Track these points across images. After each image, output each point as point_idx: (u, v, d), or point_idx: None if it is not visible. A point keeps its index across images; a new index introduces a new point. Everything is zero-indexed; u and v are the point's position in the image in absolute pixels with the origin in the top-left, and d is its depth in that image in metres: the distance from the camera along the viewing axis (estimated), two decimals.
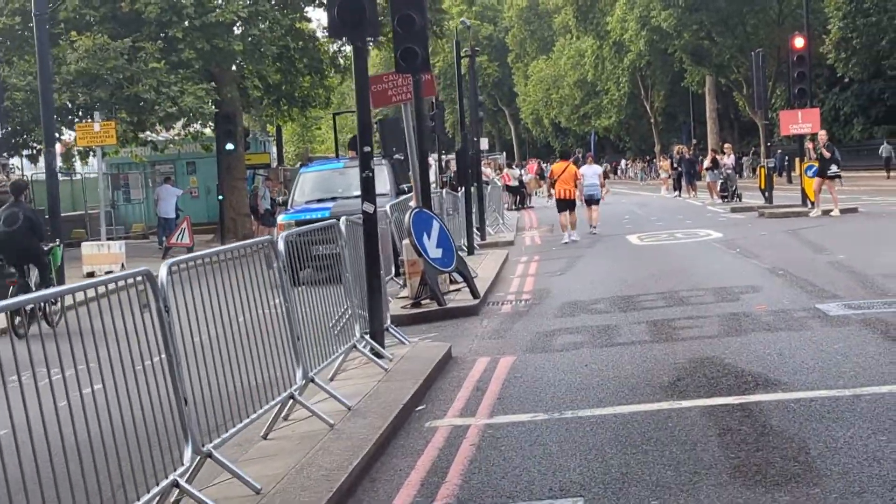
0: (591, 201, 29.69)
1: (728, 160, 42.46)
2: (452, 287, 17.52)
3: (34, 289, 17.65)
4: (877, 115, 62.92)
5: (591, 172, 30.38)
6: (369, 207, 11.80)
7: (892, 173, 54.12)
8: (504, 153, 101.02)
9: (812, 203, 31.24)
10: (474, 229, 29.45)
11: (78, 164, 39.68)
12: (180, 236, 34.72)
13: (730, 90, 74.53)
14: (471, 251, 25.04)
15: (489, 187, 37.37)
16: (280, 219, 23.49)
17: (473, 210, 30.20)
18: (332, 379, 10.96)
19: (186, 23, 35.60)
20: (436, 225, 16.44)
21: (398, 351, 12.24)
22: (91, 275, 27.18)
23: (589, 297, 16.65)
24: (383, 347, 11.85)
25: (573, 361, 11.49)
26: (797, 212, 31.43)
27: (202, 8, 35.27)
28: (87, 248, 28.68)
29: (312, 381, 9.44)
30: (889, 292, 14.35)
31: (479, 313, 15.98)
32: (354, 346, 11.18)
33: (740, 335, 12.10)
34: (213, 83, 35.30)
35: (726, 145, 47.28)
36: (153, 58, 33.51)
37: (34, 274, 18.46)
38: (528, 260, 23.97)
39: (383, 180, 24.40)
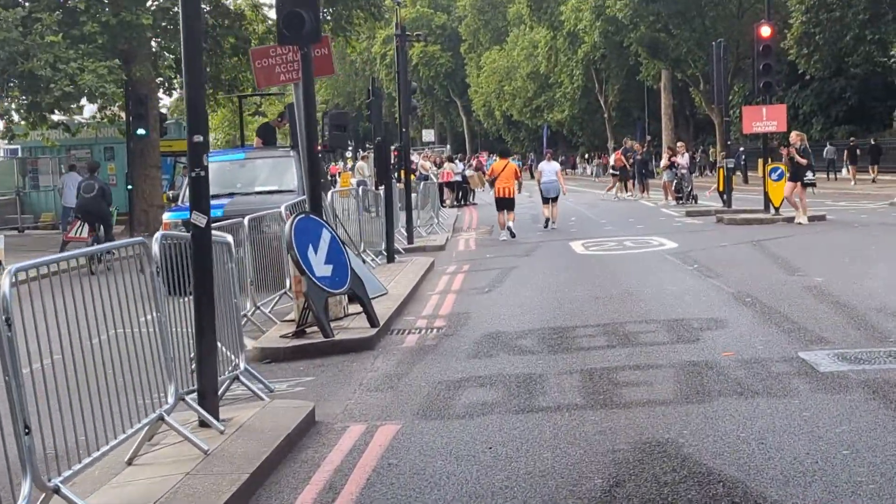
0: (550, 198, 29.66)
1: (682, 160, 39.47)
2: (353, 310, 14.30)
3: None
4: (837, 115, 60.45)
5: (549, 169, 30.48)
6: (199, 219, 8.53)
7: (839, 175, 52.22)
8: (448, 146, 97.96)
9: (776, 209, 28.31)
10: (400, 231, 26.29)
11: None
12: (79, 230, 31.15)
13: (686, 86, 71.84)
14: (390, 258, 21.80)
15: (422, 183, 34.13)
16: (165, 217, 20.15)
17: (400, 210, 27.08)
18: (129, 462, 7.73)
19: None
20: (325, 235, 13.20)
21: (241, 415, 8.99)
22: None
23: (514, 326, 13.49)
24: (215, 413, 8.58)
25: (475, 439, 8.30)
26: (759, 218, 28.45)
27: None
28: None
29: (57, 492, 6.21)
30: (891, 336, 11.28)
31: (374, 347, 12.75)
32: (162, 419, 7.89)
33: (703, 401, 8.96)
34: (119, 61, 31.73)
35: (679, 143, 44.33)
36: (50, 31, 29.89)
37: (101, 231, 25.68)
38: (455, 270, 20.78)
39: (291, 175, 21.22)
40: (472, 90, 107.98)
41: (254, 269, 15.07)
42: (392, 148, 27.94)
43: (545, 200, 30.02)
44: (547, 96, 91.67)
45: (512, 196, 27.72)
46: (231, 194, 20.68)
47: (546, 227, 29.65)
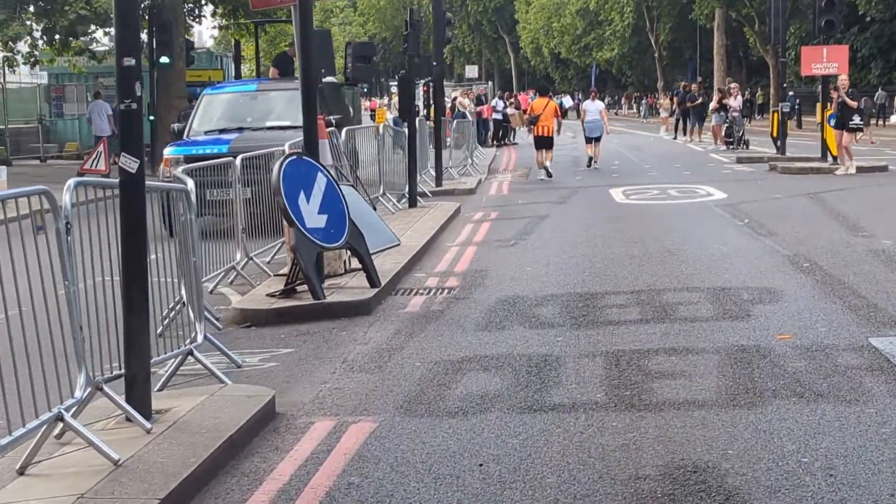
0: (593, 137, 29.61)
1: (735, 102, 37.28)
2: (356, 265, 12.57)
3: None
4: None
5: (593, 108, 30.37)
6: (129, 163, 6.81)
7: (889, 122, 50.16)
8: (491, 83, 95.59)
9: (835, 158, 26.26)
10: (427, 173, 24.54)
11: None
12: (95, 161, 29.54)
13: (740, 25, 69.06)
14: (412, 203, 20.01)
15: (455, 122, 32.24)
16: (166, 152, 18.47)
17: (430, 149, 25.31)
18: (20, 472, 6.09)
19: None
20: (321, 181, 11.45)
21: (181, 406, 7.31)
22: None
23: (536, 290, 11.74)
24: (144, 405, 6.89)
25: (464, 449, 6.58)
26: (816, 167, 26.46)
27: None
28: None
29: None
30: None
31: (371, 311, 11.04)
32: (60, 419, 6.22)
33: (754, 405, 7.18)
34: None
35: (732, 85, 42.06)
36: None
37: None
38: (482, 218, 19.02)
39: (294, 110, 19.49)
40: (520, 26, 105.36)
41: (248, 215, 13.43)
42: (422, 82, 26.10)
43: (588, 139, 30.01)
44: (596, 34, 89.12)
45: (551, 135, 27.04)
46: (240, 129, 19.05)
47: (589, 166, 29.44)
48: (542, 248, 14.86)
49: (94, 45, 39.56)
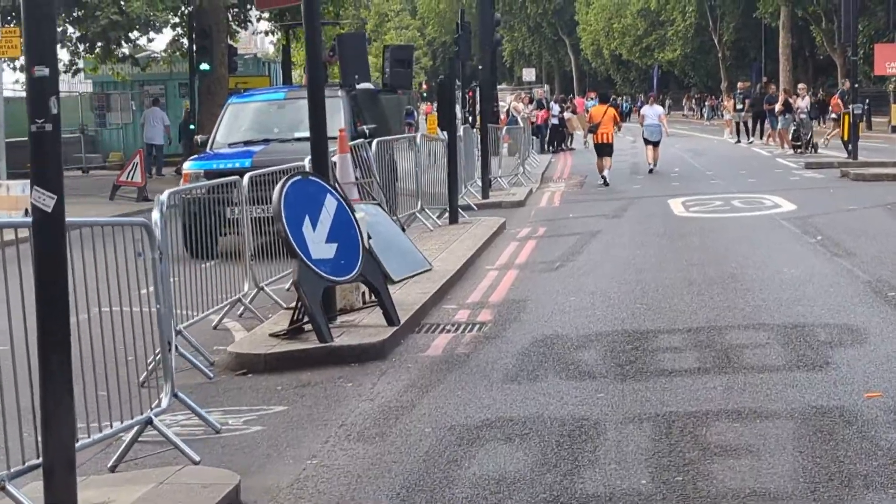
0: (652, 141, 29.28)
1: (802, 103, 35.41)
2: (373, 300, 11.09)
3: None
4: None
5: (651, 112, 29.95)
6: (43, 199, 5.37)
7: None
8: (547, 86, 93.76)
9: None
10: (473, 184, 23.09)
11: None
12: (131, 173, 28.35)
13: (807, 24, 66.78)
14: (453, 218, 18.51)
15: (504, 129, 30.70)
16: (186, 167, 17.13)
17: (476, 159, 23.84)
18: None
19: None
20: (330, 203, 10.02)
21: (121, 497, 5.87)
22: None
23: (578, 327, 10.22)
24: (67, 500, 5.46)
25: None
26: (892, 174, 24.64)
27: None
28: None
29: None
30: None
31: (386, 356, 9.55)
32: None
33: (841, 499, 5.63)
34: None
35: (800, 85, 40.22)
36: None
37: None
38: (528, 235, 17.52)
39: (338, 119, 18.12)
40: (580, 28, 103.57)
41: (262, 234, 12.10)
42: (468, 87, 24.65)
43: (647, 143, 29.67)
44: (658, 34, 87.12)
45: (611, 141, 26.54)
46: (266, 141, 17.67)
47: (651, 172, 28.98)
48: (590, 273, 13.32)
49: (139, 51, 38.48)
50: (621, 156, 34.12)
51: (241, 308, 11.44)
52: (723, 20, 79.86)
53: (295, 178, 9.91)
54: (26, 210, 22.40)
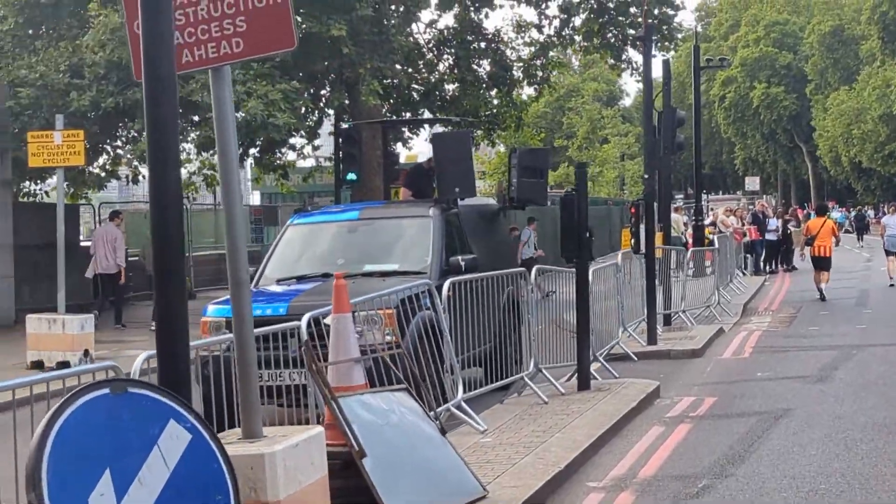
0: (893, 252, 28.40)
1: None
2: None
3: None
4: None
5: (893, 222, 29.17)
6: None
7: None
8: (765, 196, 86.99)
9: None
10: (635, 328, 17.84)
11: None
12: None
13: None
14: (583, 383, 13.18)
15: (689, 251, 25.16)
16: (207, 312, 12.48)
17: (641, 293, 18.52)
18: None
19: None
20: (174, 436, 5.12)
21: None
22: (38, 366, 17.69)
23: None
24: None
25: None
26: None
27: None
28: (33, 323, 18.58)
29: None
30: None
31: None
32: None
33: None
34: (303, 84, 24.65)
35: None
36: None
37: None
38: (683, 413, 12.13)
39: (423, 246, 13.44)
40: (816, 134, 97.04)
41: None
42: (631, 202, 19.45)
43: (888, 253, 28.80)
44: None
45: (829, 255, 25.95)
46: (325, 276, 12.77)
47: (892, 286, 27.91)
48: None
49: (302, 159, 34.85)
50: (848, 278, 29.71)
51: None
52: None
53: (91, 395, 5.05)
54: (86, 351, 18.47)
